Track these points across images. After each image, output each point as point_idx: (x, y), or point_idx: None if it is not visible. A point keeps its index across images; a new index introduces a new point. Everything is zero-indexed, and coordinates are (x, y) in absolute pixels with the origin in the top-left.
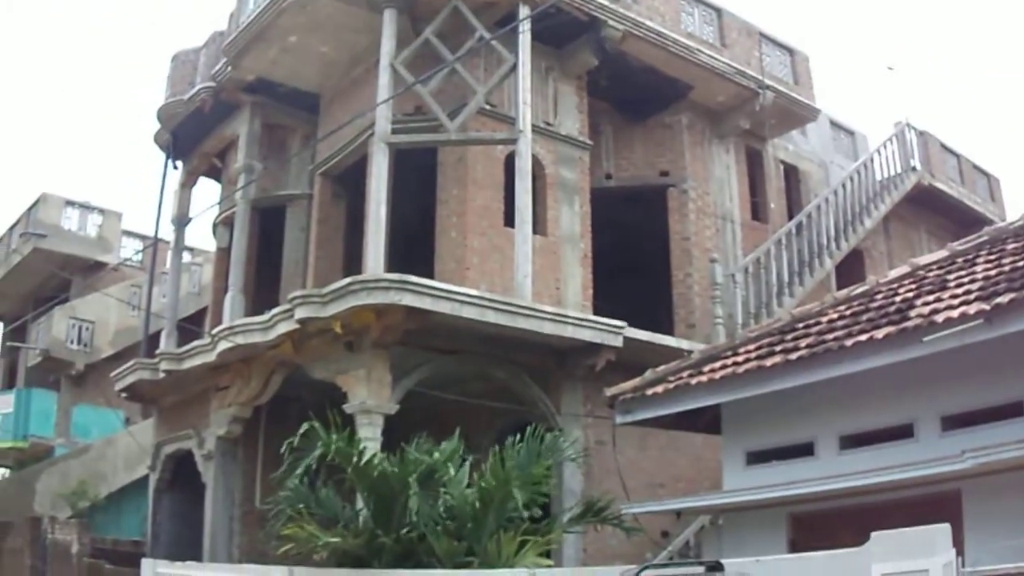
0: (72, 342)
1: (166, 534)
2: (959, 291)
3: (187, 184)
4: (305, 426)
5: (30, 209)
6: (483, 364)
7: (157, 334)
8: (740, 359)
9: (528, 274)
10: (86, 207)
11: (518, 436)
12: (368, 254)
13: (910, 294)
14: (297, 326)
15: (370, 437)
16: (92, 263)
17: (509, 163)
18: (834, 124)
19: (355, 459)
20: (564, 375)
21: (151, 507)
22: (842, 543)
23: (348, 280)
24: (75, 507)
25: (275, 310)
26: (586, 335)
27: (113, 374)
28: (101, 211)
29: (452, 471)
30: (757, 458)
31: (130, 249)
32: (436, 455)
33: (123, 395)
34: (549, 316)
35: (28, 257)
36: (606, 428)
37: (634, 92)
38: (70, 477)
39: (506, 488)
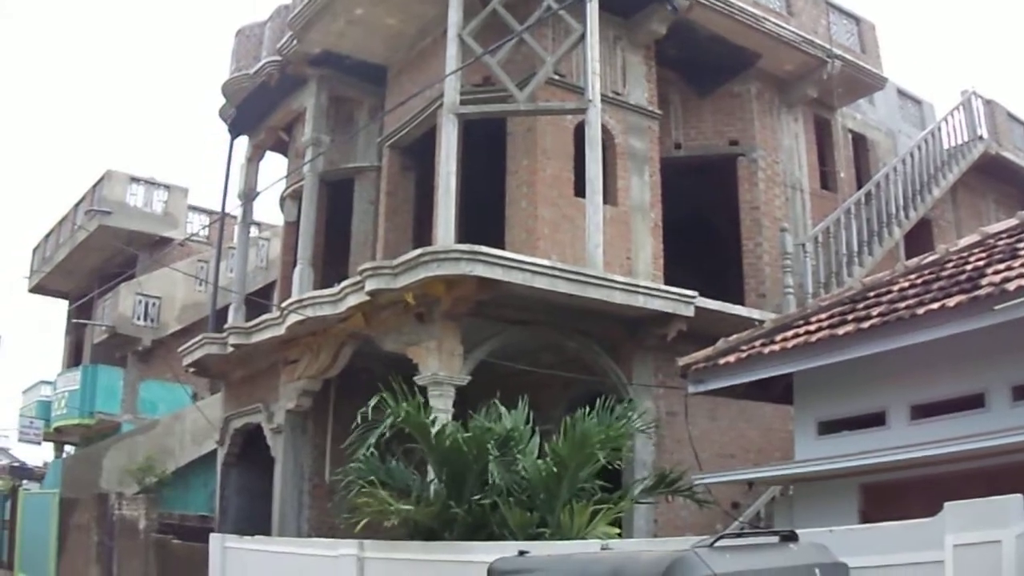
0: (139, 318)
1: (234, 509)
2: None
3: (253, 158)
4: (376, 398)
5: (95, 186)
6: (554, 335)
7: (225, 309)
8: (812, 328)
9: (599, 244)
10: (151, 183)
11: (588, 407)
12: (438, 225)
13: (981, 262)
14: (367, 298)
15: (441, 408)
16: (158, 239)
17: (578, 133)
18: (901, 93)
19: (427, 429)
20: (635, 345)
21: (219, 482)
22: (913, 514)
23: (419, 251)
24: (142, 483)
25: (345, 282)
26: (657, 305)
27: (180, 349)
28: (167, 187)
29: (524, 439)
30: (828, 428)
31: (196, 224)
32: (507, 423)
33: (190, 370)
34: (620, 286)
35: (93, 234)
36: (677, 398)
37: (702, 61)
38: (137, 453)
39: (583, 451)
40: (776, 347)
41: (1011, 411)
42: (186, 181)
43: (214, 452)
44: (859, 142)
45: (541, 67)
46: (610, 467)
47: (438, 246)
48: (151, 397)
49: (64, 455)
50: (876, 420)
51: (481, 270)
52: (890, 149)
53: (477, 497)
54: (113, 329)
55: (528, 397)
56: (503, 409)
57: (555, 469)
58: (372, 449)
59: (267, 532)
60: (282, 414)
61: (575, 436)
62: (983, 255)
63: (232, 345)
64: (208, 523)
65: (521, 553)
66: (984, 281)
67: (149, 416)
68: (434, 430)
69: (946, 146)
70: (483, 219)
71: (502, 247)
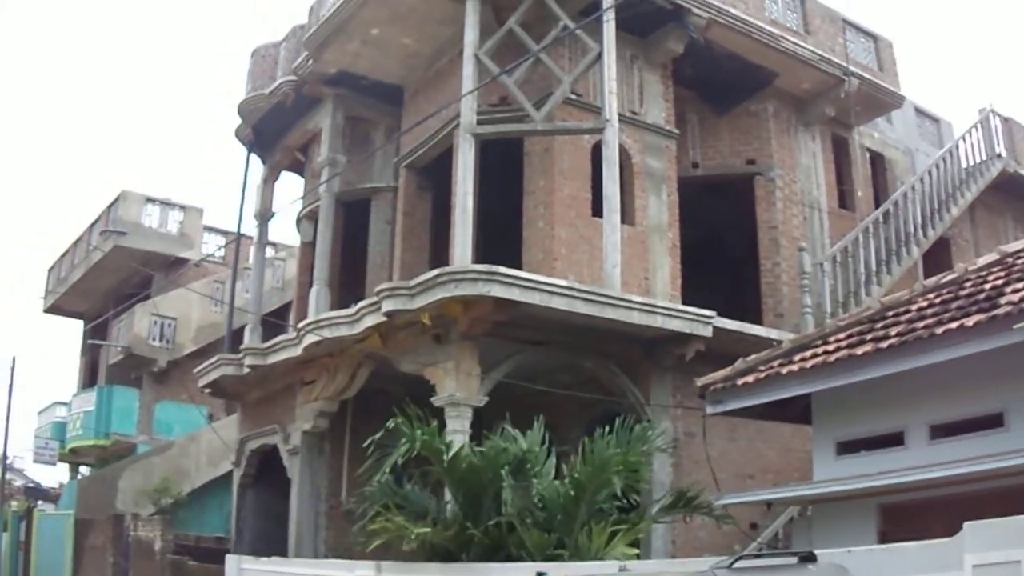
0: (154, 339)
1: (250, 530)
2: None
3: (269, 179)
4: (392, 422)
5: (110, 207)
6: (572, 355)
7: (241, 329)
8: (831, 348)
9: (617, 264)
10: (167, 203)
11: (607, 428)
12: (455, 245)
13: (999, 281)
14: (384, 319)
15: (459, 430)
16: (173, 259)
17: (596, 153)
18: (919, 111)
19: (443, 453)
20: (653, 366)
21: (235, 503)
22: (932, 534)
23: (436, 272)
24: (158, 504)
25: (362, 303)
26: (675, 325)
27: (196, 370)
28: (182, 207)
29: (541, 461)
30: (847, 448)
31: (212, 245)
32: (523, 444)
33: (206, 391)
34: (638, 306)
35: (109, 255)
36: (695, 419)
37: (719, 80)
38: (153, 474)
39: (601, 476)
40: (794, 367)
41: None
42: (202, 201)
43: (230, 473)
44: (877, 161)
45: (558, 87)
46: (628, 490)
47: (455, 266)
48: (167, 418)
49: (79, 476)
50: (895, 440)
51: (498, 291)
52: (908, 168)
53: (494, 519)
54: (129, 350)
55: (545, 418)
56: (515, 432)
57: (572, 492)
58: (387, 474)
59: (283, 553)
60: (299, 435)
61: (594, 460)
62: (1002, 274)
63: (248, 366)
64: (224, 544)
65: (540, 575)
66: (1003, 300)
67: (165, 437)
68: (449, 454)
69: (964, 164)
70: (500, 239)
71: (519, 267)
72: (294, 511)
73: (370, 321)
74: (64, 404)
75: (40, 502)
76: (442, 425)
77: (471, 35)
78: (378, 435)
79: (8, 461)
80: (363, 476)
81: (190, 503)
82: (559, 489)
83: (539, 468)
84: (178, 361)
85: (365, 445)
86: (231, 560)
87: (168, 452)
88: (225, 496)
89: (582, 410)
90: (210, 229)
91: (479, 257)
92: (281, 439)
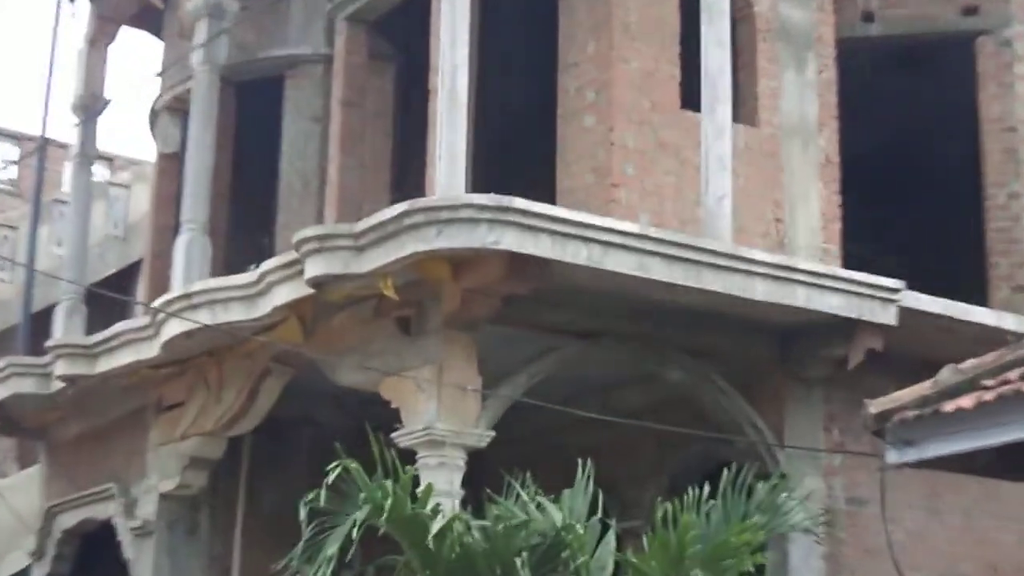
0: None
1: None
2: None
3: (99, 40)
4: (334, 469)
5: None
6: (644, 357)
7: (46, 312)
8: None
9: (727, 195)
10: None
11: (704, 487)
12: (438, 161)
13: None
14: (309, 291)
15: (442, 489)
16: None
17: None
18: None
19: (422, 529)
20: (788, 376)
21: None
22: None
23: (403, 207)
24: None
25: (268, 263)
26: (832, 304)
27: None
28: None
29: (586, 546)
30: None
31: None
32: (555, 516)
33: None
34: (765, 270)
35: None
36: (866, 474)
37: None
38: None
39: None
40: None
41: None
42: None
43: (25, 573)
44: None
45: None
46: None
47: (437, 198)
48: None
49: None
50: None
51: (514, 240)
52: None
53: None
54: None
55: (596, 468)
56: (539, 496)
57: None
58: (325, 568)
59: None
60: (152, 502)
61: (680, 547)
62: None
63: (61, 377)
64: None
65: None
66: None
67: None
68: (431, 529)
69: None
70: (518, 151)
71: (551, 200)
72: None
73: (284, 295)
74: None
75: None
76: (412, 481)
77: None
78: (314, 494)
79: None
80: (281, 571)
81: None
82: None
83: (585, 559)
84: None
85: (302, 514)
86: None
87: None
88: None
89: (663, 454)
90: None
91: (479, 182)
92: (121, 509)
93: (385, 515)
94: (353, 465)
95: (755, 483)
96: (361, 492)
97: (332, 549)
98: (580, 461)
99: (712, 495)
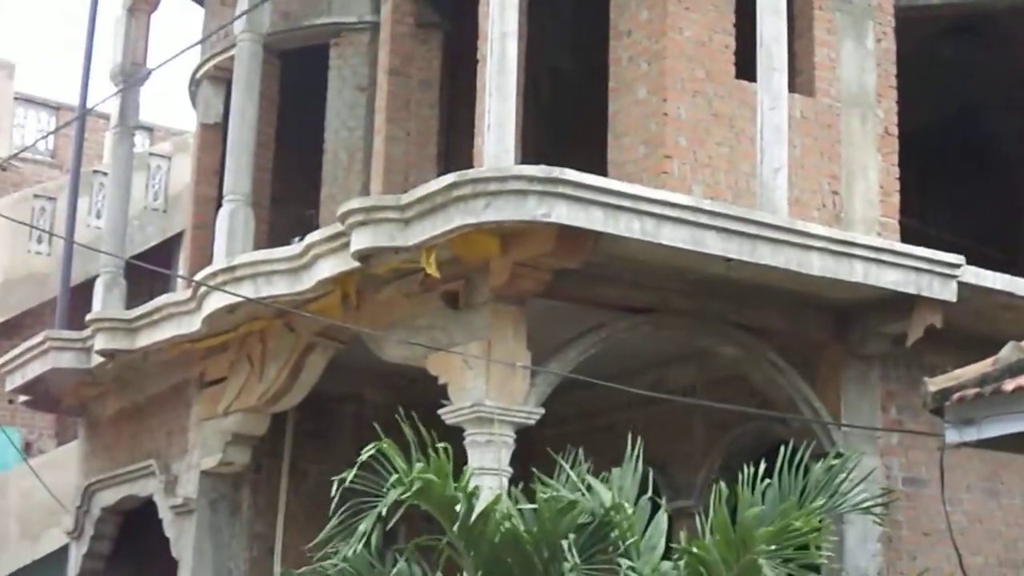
0: None
1: None
2: None
3: (139, 7)
4: (371, 449)
5: None
6: (695, 332)
7: (86, 285)
8: None
9: (782, 166)
10: None
11: (758, 465)
12: (486, 131)
13: None
14: (354, 265)
15: (490, 468)
16: None
17: None
18: None
19: (461, 508)
20: (846, 353)
21: None
22: None
23: (450, 178)
24: None
25: (312, 236)
26: (891, 279)
27: (0, 362)
28: None
29: (636, 526)
30: None
31: (31, 130)
32: (604, 496)
33: (19, 400)
34: (822, 244)
35: None
36: (925, 453)
37: None
38: None
39: (747, 556)
40: None
41: None
42: (12, 53)
43: (63, 551)
44: None
45: None
46: None
47: (485, 169)
48: None
49: None
50: None
51: (565, 212)
52: None
53: None
54: None
55: (647, 447)
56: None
57: None
58: (362, 546)
59: None
60: (194, 480)
61: (734, 528)
62: None
63: (101, 352)
64: None
65: None
66: None
67: None
68: (474, 511)
69: None
70: (569, 122)
71: (603, 172)
72: None
73: (329, 269)
74: None
75: None
76: (459, 458)
77: None
78: (348, 474)
79: None
80: (318, 549)
81: None
82: None
83: (635, 540)
84: None
85: (333, 499)
86: None
87: None
88: None
89: (715, 434)
90: (27, 101)
91: (531, 153)
92: (162, 487)
93: (416, 495)
94: (387, 445)
95: (811, 463)
96: (395, 474)
97: (364, 528)
98: (630, 439)
99: (768, 475)
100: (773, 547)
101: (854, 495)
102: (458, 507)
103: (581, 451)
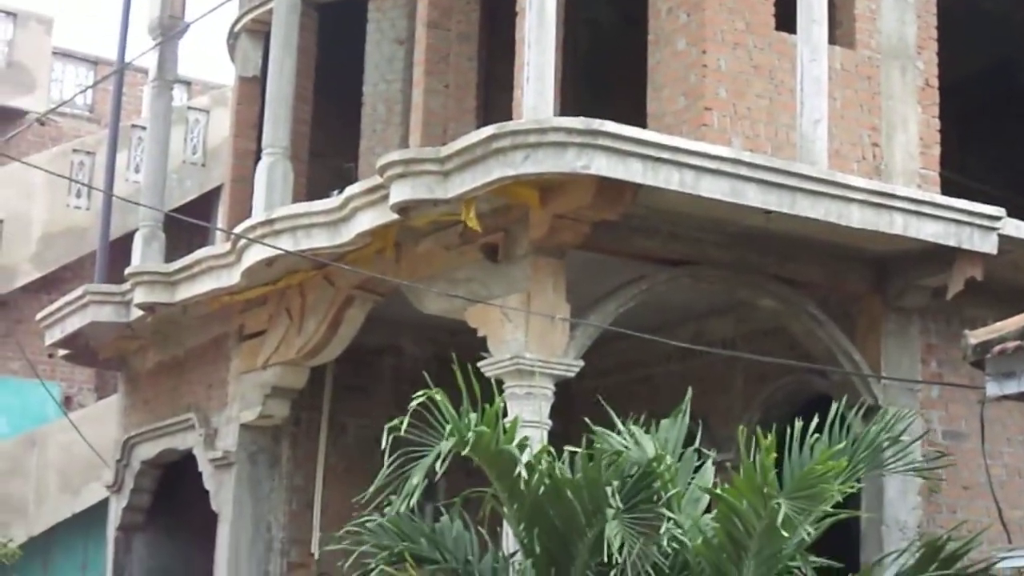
0: None
1: None
2: None
3: None
4: (418, 397)
5: None
6: (734, 285)
7: (125, 239)
8: None
9: (822, 118)
10: None
11: (796, 419)
12: (525, 83)
13: None
14: (393, 217)
15: (531, 420)
16: None
17: None
18: None
19: (509, 463)
20: (886, 306)
21: (111, 558)
22: None
23: (490, 131)
24: None
25: (351, 188)
26: (931, 231)
27: (40, 316)
28: (13, 15)
29: (677, 478)
30: None
31: (70, 84)
32: (649, 448)
33: (59, 354)
34: (862, 196)
35: None
36: (965, 406)
37: None
38: None
39: (771, 515)
40: None
41: None
42: (50, 7)
43: (103, 504)
44: None
45: None
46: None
47: (525, 121)
48: None
49: None
50: None
51: (603, 164)
52: None
53: None
54: None
55: (688, 400)
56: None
57: (733, 536)
58: (407, 501)
59: None
60: (233, 433)
61: (754, 480)
62: None
63: (140, 306)
64: None
65: None
66: None
67: None
68: (519, 463)
69: None
70: (606, 75)
71: (642, 124)
72: (223, 571)
73: (368, 221)
74: None
75: None
76: (499, 412)
77: None
78: (400, 421)
79: None
80: (360, 505)
81: (25, 563)
82: (711, 529)
83: (676, 492)
84: (6, 298)
85: (384, 453)
86: None
87: None
88: (93, 546)
89: (755, 386)
90: (66, 56)
91: (570, 106)
92: (201, 440)
93: (469, 447)
94: (439, 395)
95: (851, 416)
96: (447, 423)
97: (417, 479)
98: (671, 392)
99: (805, 429)
100: (795, 499)
101: (895, 447)
102: (510, 460)
103: (617, 405)
